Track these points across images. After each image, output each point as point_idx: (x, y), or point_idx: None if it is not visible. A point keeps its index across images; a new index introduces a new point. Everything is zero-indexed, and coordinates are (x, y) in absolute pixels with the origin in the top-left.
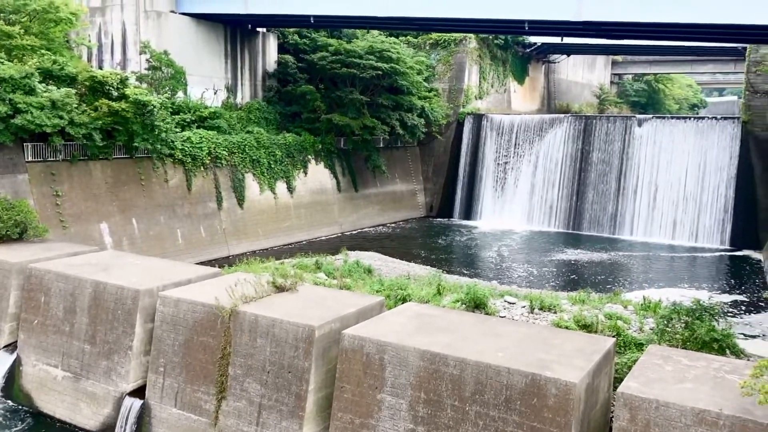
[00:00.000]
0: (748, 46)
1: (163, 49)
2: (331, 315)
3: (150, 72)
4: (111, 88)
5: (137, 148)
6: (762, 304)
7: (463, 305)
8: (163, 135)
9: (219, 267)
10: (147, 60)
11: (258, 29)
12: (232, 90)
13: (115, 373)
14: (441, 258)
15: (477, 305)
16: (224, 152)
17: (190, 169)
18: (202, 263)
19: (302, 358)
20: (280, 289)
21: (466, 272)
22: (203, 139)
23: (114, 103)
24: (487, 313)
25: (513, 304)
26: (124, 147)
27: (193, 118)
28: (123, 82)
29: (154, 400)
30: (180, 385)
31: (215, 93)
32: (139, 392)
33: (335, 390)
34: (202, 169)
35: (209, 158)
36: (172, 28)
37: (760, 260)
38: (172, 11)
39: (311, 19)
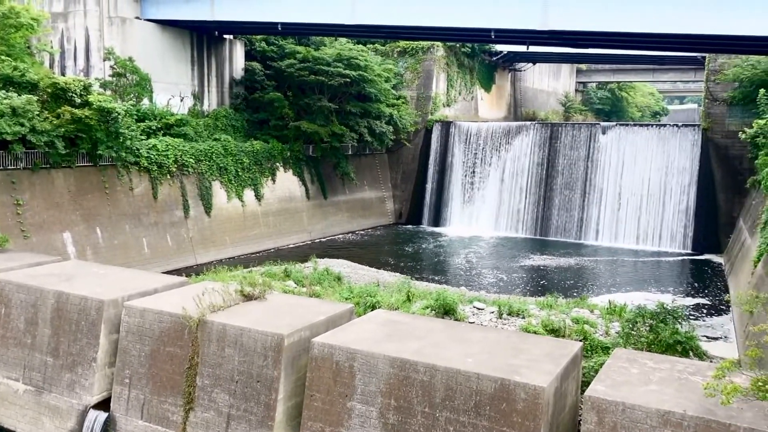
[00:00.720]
0: (707, 55)
1: (127, 56)
2: (301, 323)
3: (114, 79)
4: (74, 94)
5: (101, 155)
6: (723, 307)
7: (433, 311)
8: (128, 142)
9: (186, 276)
10: (111, 67)
11: (225, 36)
12: (198, 97)
13: (78, 385)
14: (410, 265)
15: (446, 311)
16: (191, 160)
17: (155, 177)
18: (168, 272)
19: (271, 367)
20: (248, 297)
21: (435, 279)
22: (169, 146)
23: (77, 110)
24: (456, 319)
25: (482, 309)
26: (87, 155)
27: (158, 126)
28: (86, 88)
29: (119, 412)
30: (146, 397)
31: (181, 100)
32: (103, 405)
33: (305, 398)
34: (168, 176)
35: (175, 166)
36: (136, 34)
37: (721, 264)
38: (137, 17)
39: (279, 26)
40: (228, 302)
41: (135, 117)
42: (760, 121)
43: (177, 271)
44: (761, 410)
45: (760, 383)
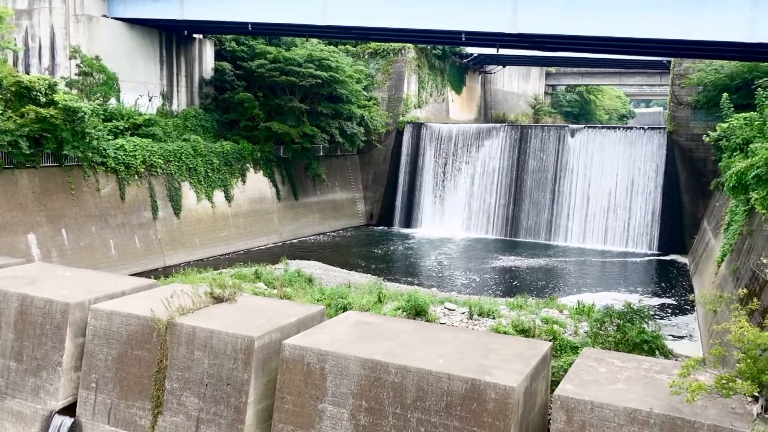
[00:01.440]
0: (672, 59)
1: (94, 55)
2: (271, 325)
3: (80, 78)
4: (39, 93)
5: (67, 156)
6: (688, 306)
7: (404, 313)
8: (95, 143)
9: (155, 278)
10: (77, 65)
11: (194, 35)
12: (167, 97)
13: (43, 390)
14: (381, 266)
15: (417, 312)
16: (159, 160)
17: (123, 177)
18: (136, 274)
19: (241, 370)
20: (218, 299)
21: (406, 280)
22: (137, 146)
23: (42, 109)
24: (427, 320)
25: (453, 310)
26: (52, 155)
27: (126, 126)
28: (51, 87)
29: (85, 417)
30: (113, 401)
31: (150, 100)
32: (69, 410)
33: (276, 401)
34: (136, 177)
35: (144, 166)
36: (104, 32)
37: (686, 264)
38: (104, 16)
39: (249, 26)
40: (197, 304)
41: (102, 117)
42: (723, 124)
43: (145, 273)
44: (725, 407)
45: (723, 381)
